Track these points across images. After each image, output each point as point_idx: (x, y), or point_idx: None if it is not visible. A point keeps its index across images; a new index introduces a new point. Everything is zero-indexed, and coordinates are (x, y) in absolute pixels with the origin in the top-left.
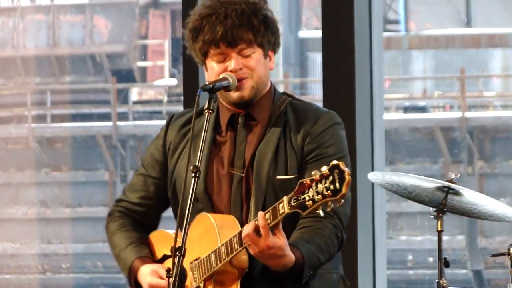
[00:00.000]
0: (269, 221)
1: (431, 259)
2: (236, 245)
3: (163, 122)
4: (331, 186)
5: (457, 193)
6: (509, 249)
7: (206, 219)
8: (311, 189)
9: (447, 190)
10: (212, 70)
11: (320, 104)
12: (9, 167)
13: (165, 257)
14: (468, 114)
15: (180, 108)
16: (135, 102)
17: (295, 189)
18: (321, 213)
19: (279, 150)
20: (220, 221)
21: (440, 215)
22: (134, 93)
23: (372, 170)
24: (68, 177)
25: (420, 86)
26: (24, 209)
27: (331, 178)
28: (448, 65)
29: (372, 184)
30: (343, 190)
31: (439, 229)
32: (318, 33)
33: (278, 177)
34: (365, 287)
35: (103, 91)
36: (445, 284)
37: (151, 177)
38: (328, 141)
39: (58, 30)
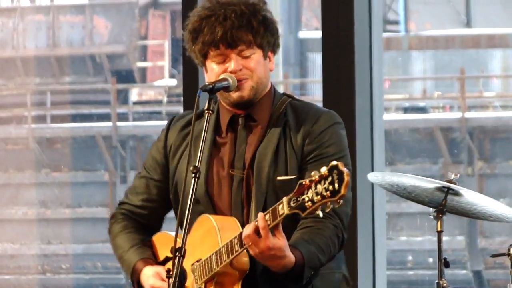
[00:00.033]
0: (269, 222)
1: (431, 259)
2: (236, 246)
3: (163, 123)
4: (330, 187)
5: (457, 193)
6: (509, 250)
7: (208, 220)
8: (310, 190)
9: (447, 191)
10: (212, 71)
11: (320, 105)
12: (9, 168)
13: (167, 259)
14: (468, 115)
15: (180, 108)
16: (135, 103)
17: (295, 190)
18: (320, 214)
19: (279, 151)
20: (221, 222)
21: (440, 215)
22: (134, 94)
23: (372, 170)
24: (68, 177)
25: (420, 86)
26: (24, 210)
27: (330, 179)
28: (448, 66)
29: (372, 184)
30: (342, 191)
31: (439, 229)
32: (318, 34)
33: (279, 177)
34: None
35: (103, 92)
36: (445, 285)
37: (153, 179)
38: (328, 140)
39: (58, 31)
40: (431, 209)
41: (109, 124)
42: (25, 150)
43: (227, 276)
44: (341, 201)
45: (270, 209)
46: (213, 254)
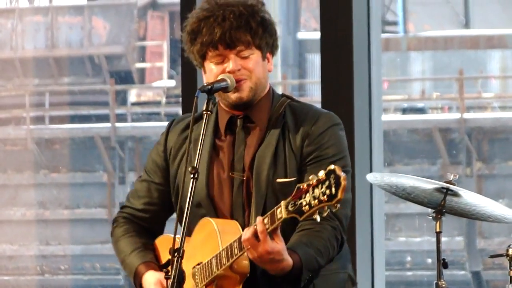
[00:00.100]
0: (267, 226)
1: (429, 260)
2: (236, 249)
3: (162, 124)
4: (327, 191)
5: (455, 194)
6: (507, 250)
7: (209, 224)
8: (308, 194)
9: (446, 191)
10: (210, 72)
11: (318, 106)
12: (7, 169)
13: (169, 262)
14: (467, 115)
15: (178, 109)
16: (133, 104)
17: (292, 194)
18: (318, 218)
19: (278, 153)
20: (222, 226)
21: (439, 216)
22: (133, 95)
23: (371, 171)
24: (66, 178)
25: (418, 87)
26: (23, 211)
27: (327, 183)
28: (447, 66)
29: (371, 185)
30: (339, 195)
31: (437, 230)
32: (317, 35)
33: (278, 180)
34: None
35: (102, 93)
36: (443, 285)
37: (154, 183)
38: (327, 142)
39: (57, 32)
40: (429, 209)
41: (108, 125)
42: (24, 151)
43: (228, 279)
44: (338, 205)
45: (269, 213)
46: (213, 257)
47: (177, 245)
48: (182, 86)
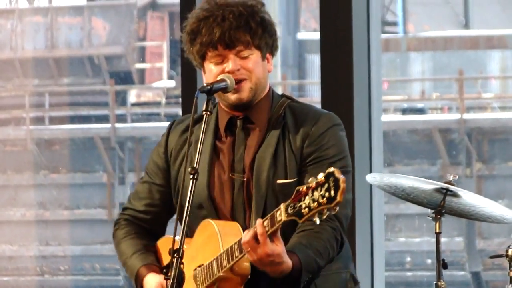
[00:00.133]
0: (267, 228)
1: (429, 260)
2: (236, 252)
3: (161, 124)
4: (327, 194)
5: (455, 194)
6: (507, 251)
7: (210, 226)
8: (307, 197)
9: (445, 192)
10: (210, 72)
11: (318, 106)
12: (7, 169)
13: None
14: (466, 116)
15: (178, 110)
16: (133, 104)
17: (292, 197)
18: (317, 221)
19: (278, 154)
20: (223, 228)
21: (439, 216)
22: (132, 95)
23: (370, 172)
24: (66, 179)
25: (418, 87)
26: (22, 211)
27: (326, 185)
28: (446, 67)
29: (370, 185)
30: (338, 198)
31: (437, 230)
32: (316, 35)
33: (278, 181)
34: None
35: (101, 93)
36: (443, 286)
37: (155, 184)
38: (327, 143)
39: (56, 32)
40: (429, 210)
41: (108, 125)
42: (24, 152)
43: (229, 281)
44: (338, 208)
45: (269, 215)
46: (214, 259)
47: (177, 246)
48: (182, 86)
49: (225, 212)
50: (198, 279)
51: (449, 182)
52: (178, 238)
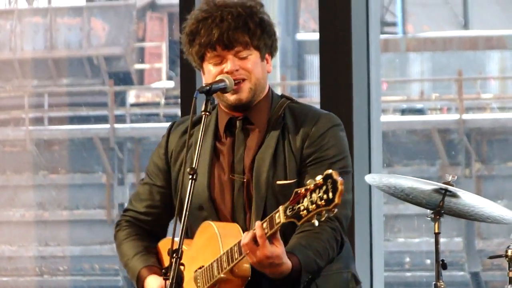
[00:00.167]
0: (266, 230)
1: (428, 261)
2: (236, 254)
3: (161, 125)
4: (325, 196)
5: (454, 195)
6: (506, 251)
7: (210, 227)
8: (305, 199)
9: (445, 192)
10: (209, 73)
11: (317, 107)
12: (6, 170)
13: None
14: (466, 116)
15: (177, 110)
16: (132, 105)
17: (290, 199)
18: (316, 223)
19: (277, 155)
20: (223, 229)
21: (438, 217)
22: (132, 96)
23: (370, 172)
24: (65, 179)
25: (417, 88)
26: (22, 212)
27: (324, 187)
28: (446, 67)
29: (370, 186)
30: (336, 200)
31: (436, 231)
32: (316, 36)
33: (278, 182)
34: None
35: (101, 94)
36: (442, 286)
37: (156, 186)
38: (327, 143)
39: (56, 33)
40: (428, 210)
41: (107, 126)
42: (23, 152)
43: (229, 283)
44: (336, 210)
45: (268, 217)
46: (214, 261)
47: (176, 247)
48: (181, 87)
49: (226, 213)
50: (198, 280)
51: (448, 183)
52: (178, 239)
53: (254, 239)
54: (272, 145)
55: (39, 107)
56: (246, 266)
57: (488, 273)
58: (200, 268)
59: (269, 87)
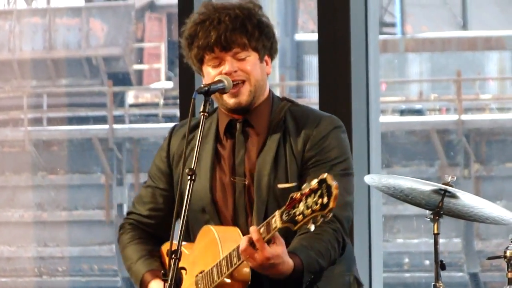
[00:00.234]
0: (263, 235)
1: (427, 262)
2: (235, 258)
3: (160, 125)
4: (320, 200)
5: (453, 196)
6: (505, 252)
7: (210, 232)
8: (301, 203)
9: (444, 193)
10: (208, 75)
11: (316, 107)
12: (5, 170)
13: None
14: (464, 117)
15: (176, 111)
16: (131, 105)
17: (286, 203)
18: (312, 228)
19: (279, 158)
20: (223, 234)
21: (437, 218)
22: (130, 96)
23: (369, 173)
24: (64, 180)
25: (416, 89)
26: (21, 212)
27: (319, 192)
28: (444, 68)
29: (369, 187)
30: (331, 205)
31: (435, 232)
32: (314, 36)
33: (279, 185)
34: None
35: (99, 94)
36: (441, 287)
37: (158, 188)
38: (328, 145)
39: (54, 33)
40: (427, 211)
41: (106, 126)
42: (22, 153)
43: (230, 287)
44: (331, 214)
45: (265, 222)
46: (214, 266)
47: (175, 248)
48: (180, 87)
49: (227, 216)
50: (200, 285)
51: (447, 183)
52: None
53: (251, 243)
54: (273, 148)
55: (38, 108)
56: (246, 270)
57: (487, 274)
58: (201, 272)
59: (270, 90)
